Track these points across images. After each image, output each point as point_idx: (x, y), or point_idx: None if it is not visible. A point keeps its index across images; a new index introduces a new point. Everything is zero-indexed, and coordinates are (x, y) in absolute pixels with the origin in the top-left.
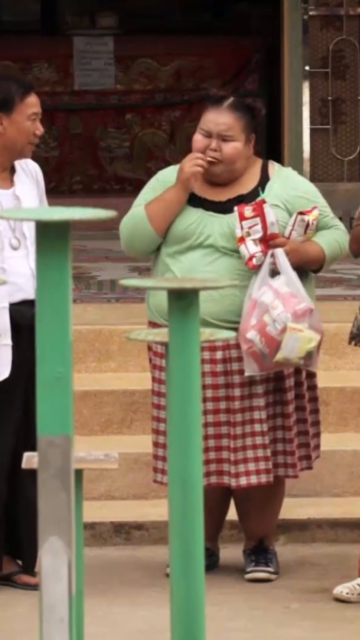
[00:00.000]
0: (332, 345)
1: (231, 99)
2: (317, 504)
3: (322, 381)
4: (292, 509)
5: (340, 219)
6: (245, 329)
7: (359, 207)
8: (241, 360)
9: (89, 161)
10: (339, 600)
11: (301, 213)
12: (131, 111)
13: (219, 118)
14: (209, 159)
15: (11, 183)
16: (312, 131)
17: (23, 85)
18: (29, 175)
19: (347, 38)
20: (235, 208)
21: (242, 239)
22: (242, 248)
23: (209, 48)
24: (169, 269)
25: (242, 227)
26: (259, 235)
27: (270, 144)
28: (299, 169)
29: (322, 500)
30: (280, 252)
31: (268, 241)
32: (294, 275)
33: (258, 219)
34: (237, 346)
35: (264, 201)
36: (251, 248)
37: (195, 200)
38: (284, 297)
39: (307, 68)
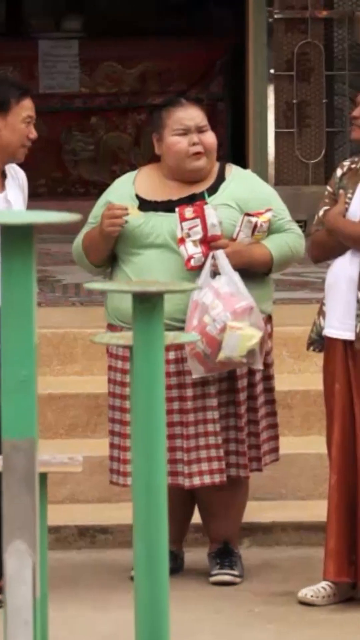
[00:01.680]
0: (296, 348)
1: (184, 97)
2: (281, 507)
3: (286, 384)
4: (256, 512)
5: (305, 222)
6: (187, 330)
7: (317, 213)
8: None
9: (54, 164)
10: (304, 603)
11: (248, 214)
12: (96, 114)
13: (190, 113)
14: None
15: (2, 187)
16: (277, 134)
17: (20, 88)
18: (17, 182)
19: (311, 41)
20: (176, 209)
21: (182, 240)
22: (182, 249)
23: (174, 51)
24: (122, 270)
25: (182, 228)
26: (198, 236)
27: (235, 147)
28: (263, 172)
29: (287, 503)
30: (220, 254)
31: (209, 242)
32: (234, 275)
33: (198, 221)
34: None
35: (204, 203)
36: (190, 249)
37: (145, 205)
38: (223, 297)
39: (272, 71)
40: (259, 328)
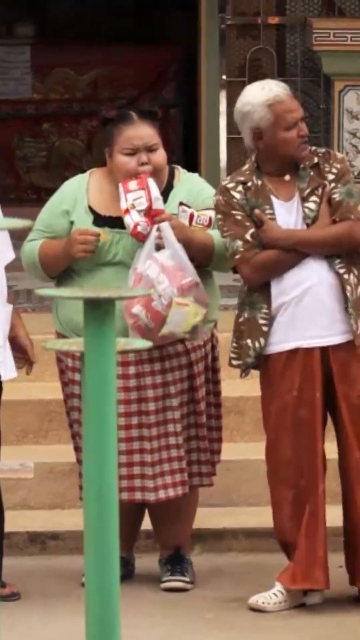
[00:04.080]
0: None
1: (136, 112)
2: (232, 514)
3: (238, 390)
4: (207, 518)
5: None
6: (130, 303)
7: (241, 238)
8: (155, 374)
9: (6, 171)
10: (255, 609)
11: (182, 204)
12: (48, 120)
13: (139, 132)
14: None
15: None
16: (229, 140)
17: None
18: None
19: (264, 47)
20: (120, 184)
21: (127, 211)
22: (127, 218)
23: (126, 57)
24: (79, 284)
25: (127, 200)
26: (144, 206)
27: (186, 153)
28: (215, 178)
29: (238, 509)
30: (166, 225)
31: (153, 217)
32: (179, 248)
33: (143, 192)
34: (150, 361)
35: (148, 175)
36: (135, 217)
37: (100, 220)
38: (169, 271)
39: (224, 77)
40: (204, 304)
